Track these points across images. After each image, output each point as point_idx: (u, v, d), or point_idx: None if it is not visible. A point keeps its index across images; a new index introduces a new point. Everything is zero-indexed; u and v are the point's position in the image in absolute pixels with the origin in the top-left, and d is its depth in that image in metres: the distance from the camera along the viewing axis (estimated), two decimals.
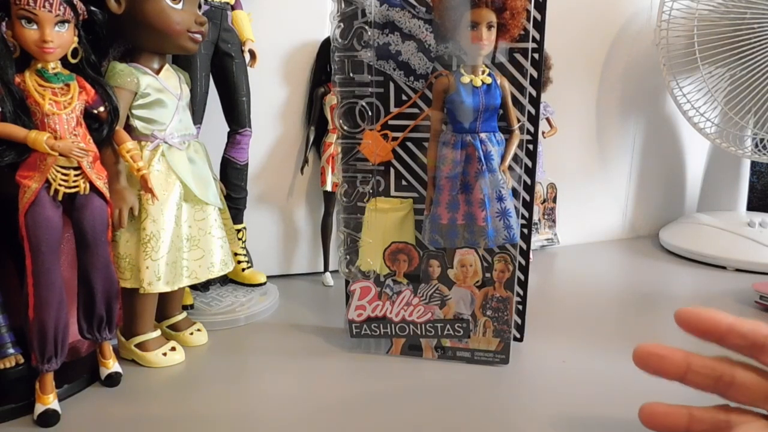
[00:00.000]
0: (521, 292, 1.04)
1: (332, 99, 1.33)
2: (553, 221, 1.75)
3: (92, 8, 0.84)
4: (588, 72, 1.72)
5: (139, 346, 0.99)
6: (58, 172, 0.80)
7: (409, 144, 0.98)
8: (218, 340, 1.10)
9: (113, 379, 0.92)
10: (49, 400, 0.82)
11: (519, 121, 0.94)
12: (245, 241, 1.32)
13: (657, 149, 1.88)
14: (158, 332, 1.02)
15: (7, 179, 0.80)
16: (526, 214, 1.00)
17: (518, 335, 1.07)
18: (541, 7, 0.92)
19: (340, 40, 0.95)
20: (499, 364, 0.99)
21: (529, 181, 0.99)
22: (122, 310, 0.97)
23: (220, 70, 1.19)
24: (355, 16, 0.94)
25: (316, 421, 0.84)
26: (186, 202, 0.98)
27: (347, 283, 1.03)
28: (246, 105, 1.23)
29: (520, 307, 1.06)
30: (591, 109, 1.75)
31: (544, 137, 1.56)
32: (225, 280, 1.32)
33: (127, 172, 0.92)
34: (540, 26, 0.92)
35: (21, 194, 0.79)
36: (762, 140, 1.61)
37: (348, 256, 1.02)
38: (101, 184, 0.85)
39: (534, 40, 0.92)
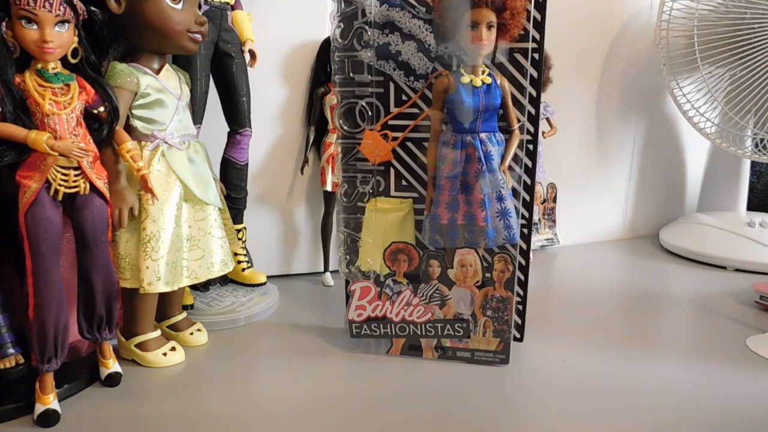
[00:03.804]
0: (521, 292, 1.04)
1: (332, 99, 1.33)
2: (553, 221, 1.75)
3: (92, 8, 0.84)
4: (588, 72, 1.72)
5: (139, 346, 0.99)
6: (58, 172, 0.80)
7: (409, 144, 0.98)
8: (218, 340, 1.10)
9: (113, 379, 0.92)
10: (49, 400, 0.82)
11: (519, 121, 0.94)
12: (245, 241, 1.32)
13: (657, 149, 1.88)
14: (158, 332, 1.02)
15: (7, 179, 0.80)
16: (526, 214, 1.00)
17: (518, 335, 1.07)
18: (541, 7, 0.92)
19: (340, 40, 0.95)
20: (499, 364, 0.99)
21: (529, 181, 0.99)
22: (122, 310, 0.98)
23: (220, 70, 1.19)
24: (355, 16, 0.94)
25: (316, 420, 0.84)
26: (186, 202, 0.98)
27: (347, 283, 1.03)
28: (246, 105, 1.23)
29: (520, 307, 1.06)
30: (591, 109, 1.75)
31: (544, 137, 1.56)
32: (225, 280, 1.32)
33: (127, 172, 0.92)
34: (540, 26, 0.92)
35: (21, 194, 0.79)
36: (762, 140, 1.61)
37: (348, 256, 1.02)
38: (101, 184, 0.85)
39: (534, 40, 0.92)
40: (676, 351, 1.07)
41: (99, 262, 0.86)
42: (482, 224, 0.92)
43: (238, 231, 1.28)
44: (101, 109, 0.86)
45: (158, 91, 0.95)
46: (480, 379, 0.95)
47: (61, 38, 0.79)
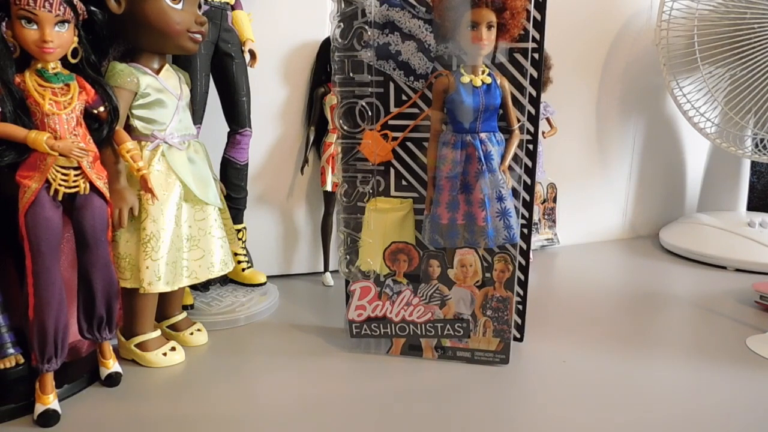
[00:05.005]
0: (521, 292, 1.04)
1: (332, 99, 1.33)
2: (553, 221, 1.75)
3: (92, 8, 0.84)
4: (588, 72, 1.72)
5: (139, 346, 0.99)
6: (58, 172, 0.80)
7: (409, 144, 0.98)
8: (218, 340, 1.10)
9: (113, 379, 0.92)
10: (49, 400, 0.82)
11: (519, 121, 0.94)
12: (245, 241, 1.32)
13: (657, 149, 1.88)
14: (158, 332, 1.02)
15: (7, 179, 0.80)
16: (526, 214, 1.00)
17: (518, 335, 1.07)
18: (541, 7, 0.92)
19: (340, 40, 0.95)
20: (499, 364, 0.99)
21: (529, 181, 0.99)
22: (122, 310, 0.98)
23: (220, 70, 1.19)
24: (355, 16, 0.94)
25: (316, 420, 0.84)
26: (186, 202, 0.98)
27: (347, 283, 1.03)
28: (246, 105, 1.23)
29: (520, 307, 1.06)
30: (591, 109, 1.75)
31: (544, 137, 1.56)
32: (225, 280, 1.32)
33: (127, 172, 0.92)
34: (540, 26, 0.92)
35: (21, 194, 0.79)
36: (762, 140, 1.61)
37: (348, 256, 1.02)
38: (101, 184, 0.85)
39: (534, 40, 0.92)
40: (676, 351, 1.07)
41: (99, 261, 0.86)
42: (482, 224, 0.92)
43: (238, 231, 1.28)
44: (101, 109, 0.86)
45: (158, 91, 0.95)
46: (480, 379, 0.95)
47: (61, 38, 0.79)
